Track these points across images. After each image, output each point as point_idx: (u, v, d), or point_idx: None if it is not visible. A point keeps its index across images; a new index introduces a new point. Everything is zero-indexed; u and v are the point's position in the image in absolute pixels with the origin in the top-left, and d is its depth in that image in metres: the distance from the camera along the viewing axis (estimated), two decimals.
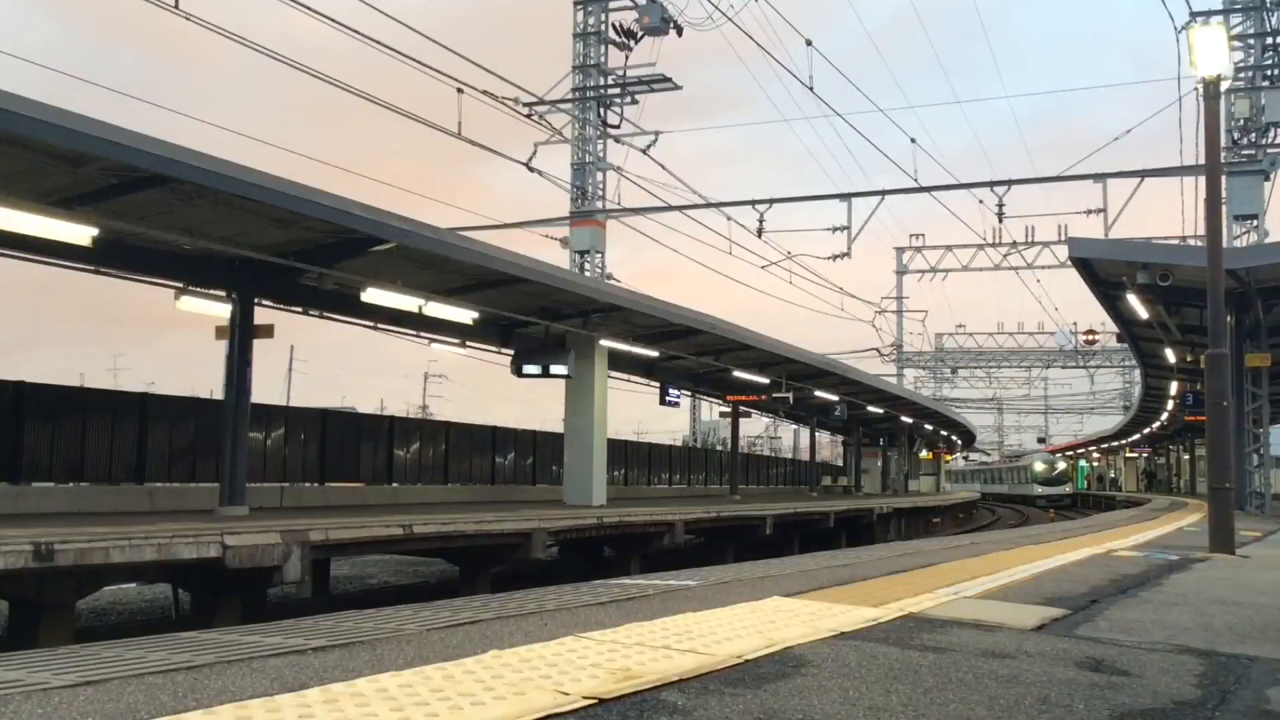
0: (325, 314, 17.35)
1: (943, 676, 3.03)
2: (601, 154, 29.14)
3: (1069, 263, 21.44)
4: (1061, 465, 69.61)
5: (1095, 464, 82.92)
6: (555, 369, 19.44)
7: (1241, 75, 25.75)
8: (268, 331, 14.68)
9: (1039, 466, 68.73)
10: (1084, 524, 18.14)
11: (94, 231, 10.95)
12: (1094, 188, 24.62)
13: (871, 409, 38.39)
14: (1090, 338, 48.81)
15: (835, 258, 27.56)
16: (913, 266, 48.59)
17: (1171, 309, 20.94)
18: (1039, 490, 65.79)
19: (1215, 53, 9.48)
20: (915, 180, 25.87)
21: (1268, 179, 25.21)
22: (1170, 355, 24.94)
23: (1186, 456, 55.27)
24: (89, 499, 15.93)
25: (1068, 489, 67.31)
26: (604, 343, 20.37)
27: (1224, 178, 22.85)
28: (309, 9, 13.86)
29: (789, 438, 77.15)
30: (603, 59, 28.44)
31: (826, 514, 25.28)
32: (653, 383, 27.11)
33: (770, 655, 3.23)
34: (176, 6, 12.92)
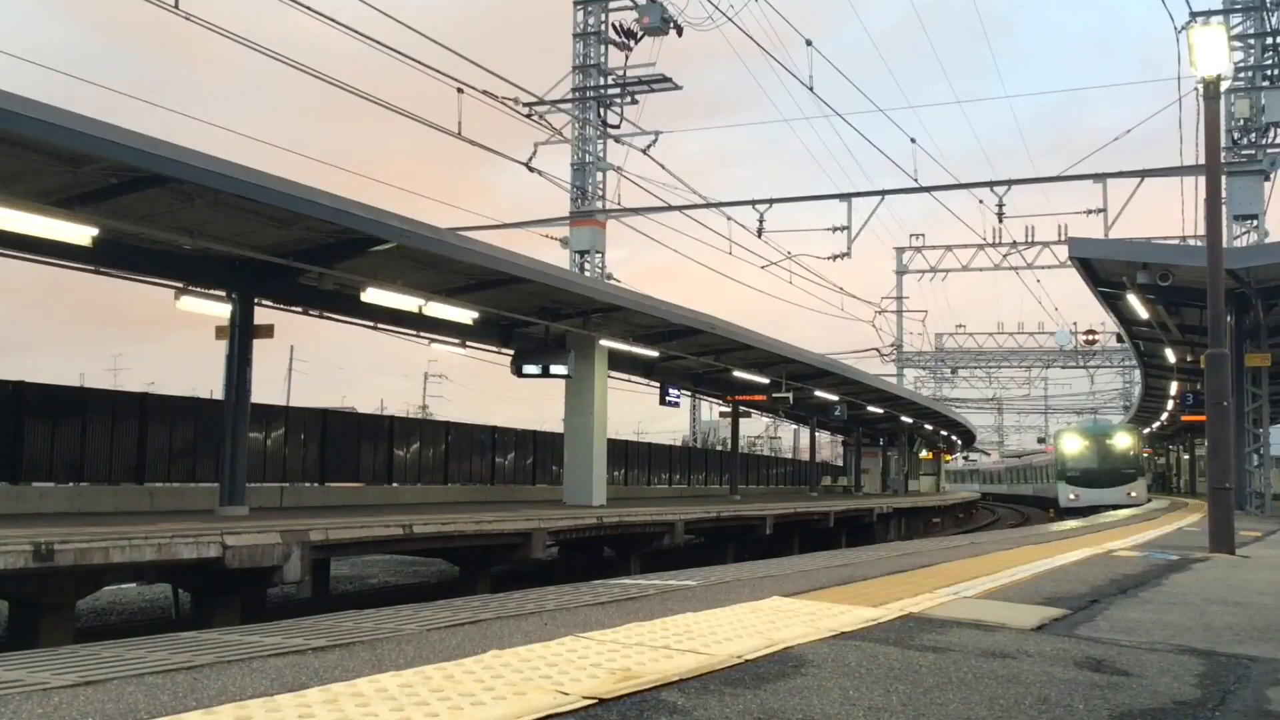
0: (325, 314, 17.35)
1: (943, 676, 3.03)
2: (601, 154, 29.14)
3: (1069, 263, 21.45)
4: (1125, 442, 38.06)
5: None
6: (555, 369, 19.44)
7: (1241, 75, 25.76)
8: (268, 331, 14.69)
9: (1071, 446, 38.48)
10: (1084, 524, 18.14)
11: (94, 231, 10.95)
12: (1094, 188, 24.66)
13: (871, 409, 38.40)
14: (1090, 338, 48.82)
15: (835, 258, 27.58)
16: (913, 266, 48.63)
17: (1171, 309, 20.95)
18: (1071, 495, 36.94)
19: (1215, 53, 9.48)
20: (915, 180, 25.89)
21: (1268, 179, 25.20)
22: (1170, 355, 24.96)
23: (1186, 456, 55.27)
24: (89, 499, 15.94)
25: (1134, 491, 36.51)
26: (604, 343, 20.36)
27: (1224, 178, 22.86)
28: (309, 9, 13.86)
29: (789, 438, 77.12)
30: (603, 59, 28.44)
31: (826, 514, 25.28)
32: (653, 383, 27.11)
33: (770, 655, 3.23)
34: (176, 6, 12.92)
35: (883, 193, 26.21)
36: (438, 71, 18.02)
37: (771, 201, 26.53)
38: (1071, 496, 36.89)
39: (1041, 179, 26.04)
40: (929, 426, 50.20)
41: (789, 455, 69.05)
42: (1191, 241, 26.25)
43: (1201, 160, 12.53)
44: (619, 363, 23.07)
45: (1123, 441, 38.09)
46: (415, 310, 16.04)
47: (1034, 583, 5.89)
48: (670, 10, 25.08)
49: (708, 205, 26.84)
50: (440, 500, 22.86)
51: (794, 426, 60.99)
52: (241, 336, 14.23)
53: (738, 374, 27.27)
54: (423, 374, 70.00)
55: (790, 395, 29.08)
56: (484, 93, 20.09)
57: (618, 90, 27.65)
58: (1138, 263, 17.59)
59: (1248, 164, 25.03)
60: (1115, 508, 31.63)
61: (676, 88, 26.98)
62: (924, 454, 57.99)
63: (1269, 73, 25.78)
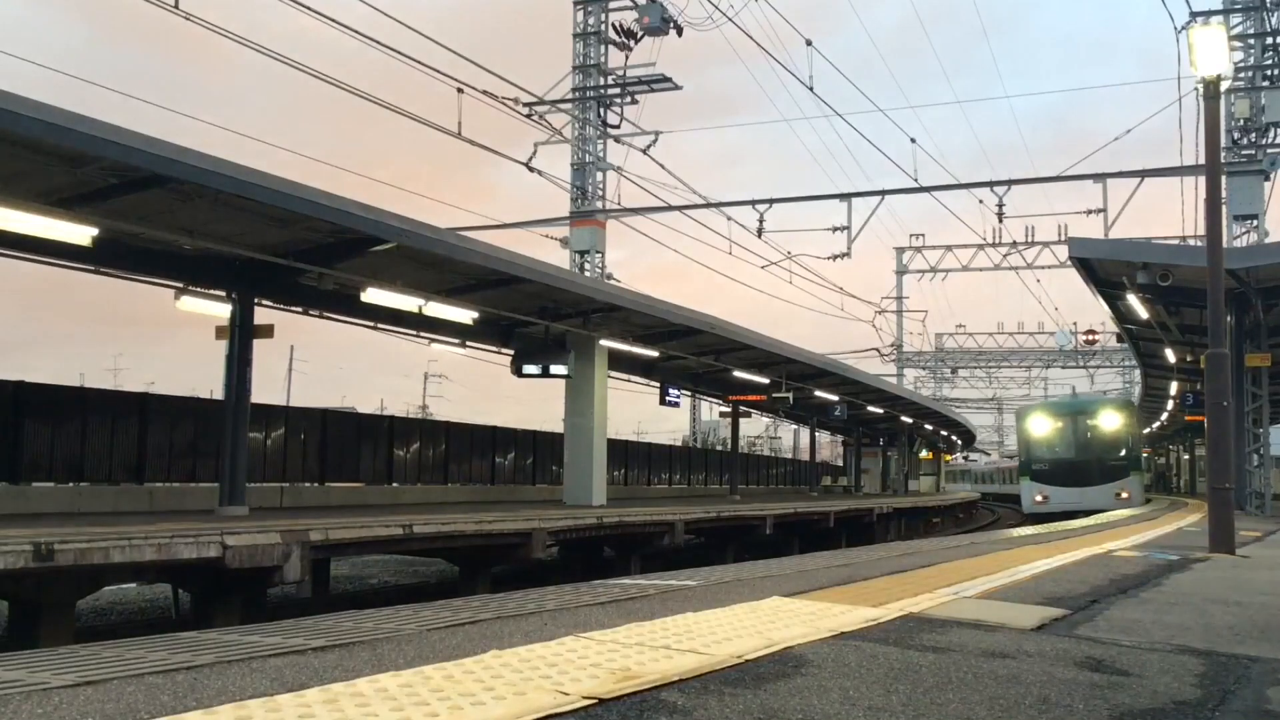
0: (325, 314, 17.36)
1: (943, 676, 3.02)
2: (601, 154, 29.13)
3: (1069, 263, 21.45)
4: (1113, 423, 29.98)
5: None
6: (555, 369, 19.45)
7: (1241, 75, 25.75)
8: (268, 331, 14.69)
9: (1039, 429, 30.55)
10: (1084, 524, 18.14)
11: (94, 231, 10.96)
12: (1094, 188, 24.68)
13: (871, 409, 38.40)
14: (1090, 338, 48.80)
15: (835, 258, 27.59)
16: (913, 266, 48.60)
17: (1171, 309, 20.94)
18: (1038, 496, 29.43)
19: (1215, 53, 9.47)
20: (915, 180, 25.89)
21: (1268, 179, 25.20)
22: (1170, 355, 24.94)
23: (1186, 456, 55.26)
24: (89, 499, 15.94)
25: (1126, 491, 28.83)
26: (604, 343, 20.37)
27: (1224, 178, 22.86)
28: (309, 9, 13.86)
29: (789, 438, 77.13)
30: (603, 59, 28.44)
31: (826, 514, 25.27)
32: (653, 383, 27.12)
33: (770, 655, 3.23)
34: (176, 6, 12.92)
35: (883, 193, 26.22)
36: (438, 71, 18.03)
37: (771, 201, 26.54)
38: (1039, 498, 27.65)
39: (1041, 179, 26.05)
40: (929, 426, 50.19)
41: (789, 455, 69.07)
42: (1191, 241, 26.25)
43: (1201, 160, 12.53)
44: (619, 363, 23.07)
45: (1110, 422, 28.67)
46: (415, 310, 16.04)
47: (1034, 583, 5.89)
48: (670, 10, 25.08)
49: (708, 205, 26.84)
50: (440, 500, 22.86)
51: (794, 426, 61.00)
52: (241, 336, 14.24)
53: (738, 374, 27.26)
54: (423, 374, 70.07)
55: (790, 395, 29.08)
56: (484, 93, 20.10)
57: (618, 90, 27.65)
58: (1138, 263, 17.57)
59: (1248, 164, 25.02)
60: (1099, 513, 23.25)
61: (676, 88, 26.99)
62: (924, 454, 57.98)
63: (1269, 73, 25.77)
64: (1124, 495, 27.51)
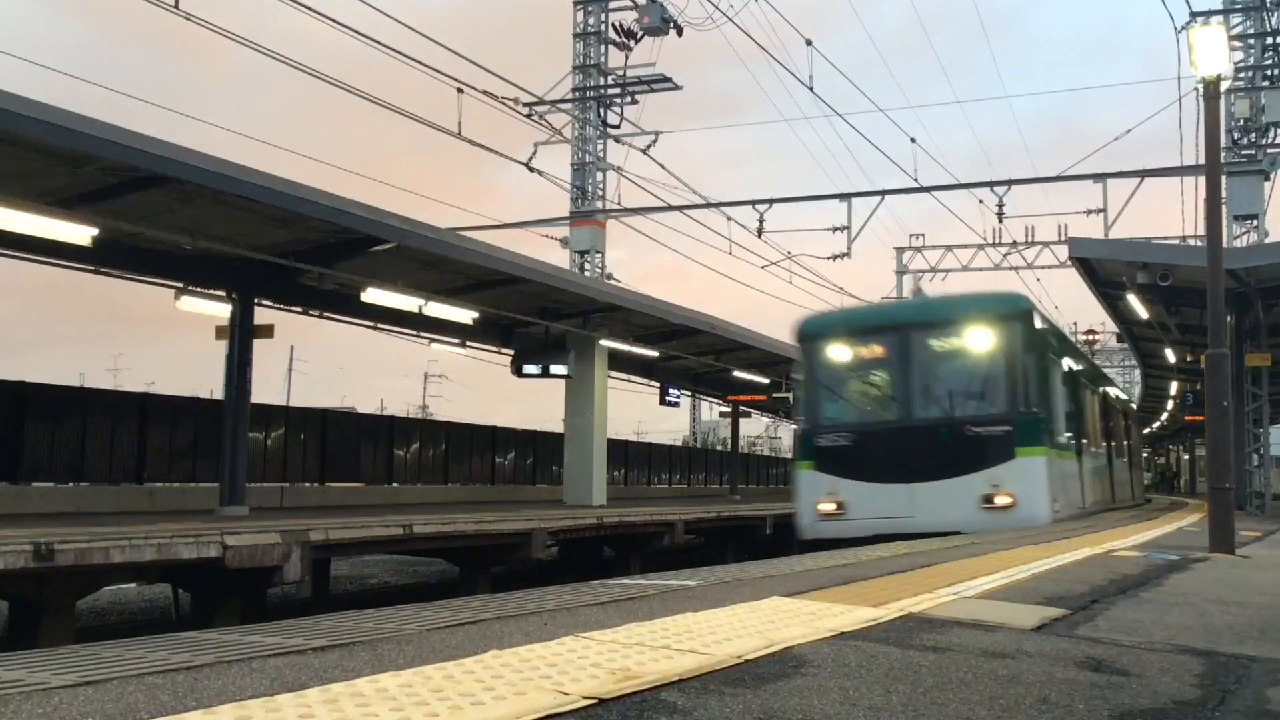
0: (325, 314, 17.37)
1: (943, 676, 3.02)
2: (601, 154, 29.13)
3: (1069, 263, 21.46)
4: (984, 345, 13.22)
5: None
6: (555, 369, 19.46)
7: (1241, 75, 25.75)
8: (268, 331, 14.71)
9: (834, 356, 14.62)
10: (1084, 524, 18.12)
11: (94, 231, 10.97)
12: (1094, 188, 24.68)
13: None
14: (1090, 338, 48.80)
15: (835, 258, 27.56)
16: (913, 266, 48.51)
17: (1171, 309, 20.93)
18: (826, 504, 13.76)
19: (1215, 53, 9.46)
20: (915, 180, 25.89)
21: (1268, 179, 25.19)
22: (1170, 355, 24.95)
23: (1186, 456, 55.28)
24: (89, 499, 15.95)
25: (1005, 488, 12.47)
26: (604, 343, 20.37)
27: (1224, 178, 22.84)
28: (309, 9, 13.85)
29: (789, 438, 77.08)
30: (603, 59, 28.43)
31: None
32: (653, 383, 27.12)
33: (770, 655, 3.23)
34: (176, 6, 12.91)
35: (883, 193, 26.20)
36: (438, 71, 18.03)
37: (771, 201, 26.51)
38: (828, 507, 13.97)
39: (1041, 179, 26.04)
40: None
41: (789, 455, 69.08)
42: (1191, 241, 26.26)
43: (1201, 160, 12.52)
44: (619, 363, 23.08)
45: (979, 343, 13.65)
46: (415, 310, 16.06)
47: (1034, 583, 5.89)
48: (670, 10, 25.10)
49: (708, 205, 26.82)
50: (440, 500, 22.87)
51: (794, 426, 60.92)
52: (241, 336, 14.25)
53: (738, 374, 27.27)
54: (423, 374, 70.15)
55: (790, 395, 29.08)
56: (484, 93, 20.08)
57: (618, 90, 27.66)
58: (1138, 263, 17.56)
59: (1248, 164, 25.02)
60: (949, 535, 10.55)
61: (676, 88, 27.00)
62: None
63: (1269, 73, 25.77)
64: (1001, 501, 12.92)
